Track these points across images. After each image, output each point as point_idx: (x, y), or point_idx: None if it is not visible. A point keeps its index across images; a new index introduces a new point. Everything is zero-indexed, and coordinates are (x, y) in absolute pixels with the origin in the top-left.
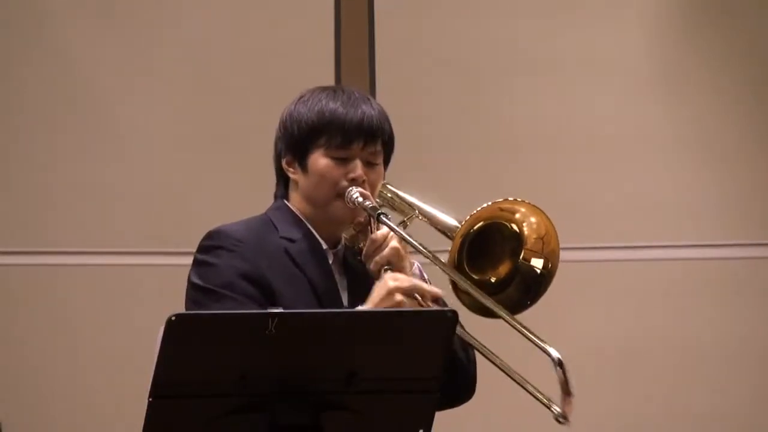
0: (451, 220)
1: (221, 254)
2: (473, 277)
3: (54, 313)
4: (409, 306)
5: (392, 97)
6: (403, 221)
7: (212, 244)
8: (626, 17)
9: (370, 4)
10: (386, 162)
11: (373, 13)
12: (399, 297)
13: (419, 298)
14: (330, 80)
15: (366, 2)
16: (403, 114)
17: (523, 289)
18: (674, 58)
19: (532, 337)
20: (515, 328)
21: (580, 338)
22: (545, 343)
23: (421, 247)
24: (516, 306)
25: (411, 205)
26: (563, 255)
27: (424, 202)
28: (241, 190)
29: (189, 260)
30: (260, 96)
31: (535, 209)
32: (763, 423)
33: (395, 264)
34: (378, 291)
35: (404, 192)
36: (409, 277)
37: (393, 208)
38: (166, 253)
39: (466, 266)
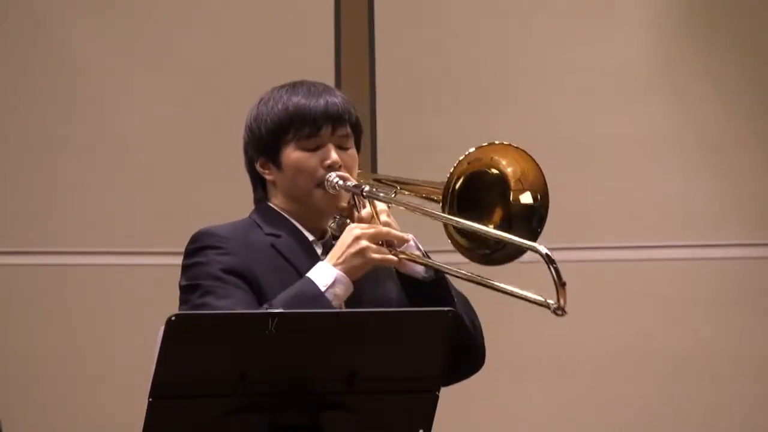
0: (433, 182)
1: (207, 253)
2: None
3: (54, 313)
4: (377, 252)
5: (392, 97)
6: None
7: (197, 246)
8: (625, 19)
9: (370, 5)
10: (357, 146)
11: (373, 13)
12: (364, 243)
13: (391, 245)
14: (330, 80)
15: (366, 2)
16: (403, 114)
17: (526, 226)
18: (673, 59)
19: (517, 239)
20: (497, 236)
21: (580, 337)
22: (533, 241)
23: (411, 204)
24: (528, 236)
25: (390, 183)
26: (563, 255)
27: (403, 178)
28: (241, 191)
29: None
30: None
31: (508, 148)
32: (761, 423)
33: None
34: (343, 238)
35: (381, 174)
36: (374, 225)
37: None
38: (167, 253)
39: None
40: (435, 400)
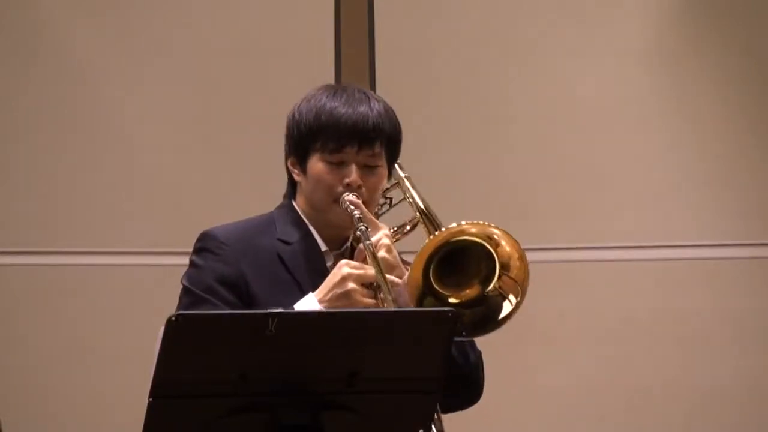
0: (450, 229)
1: (206, 256)
2: (437, 290)
3: (54, 313)
4: (363, 296)
5: (392, 97)
6: (405, 224)
7: (199, 246)
8: (625, 10)
9: (370, 4)
10: (392, 161)
11: (373, 13)
12: (351, 285)
13: (381, 286)
14: (330, 80)
15: (366, 2)
16: (403, 113)
17: (480, 322)
18: (673, 52)
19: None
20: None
21: (581, 337)
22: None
23: (378, 268)
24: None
25: (416, 208)
26: (564, 255)
27: (430, 204)
28: (242, 191)
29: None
30: (261, 97)
31: (509, 237)
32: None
33: (386, 272)
34: (332, 275)
35: (421, 191)
36: (363, 266)
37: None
38: (167, 253)
39: (432, 279)
40: (435, 400)
